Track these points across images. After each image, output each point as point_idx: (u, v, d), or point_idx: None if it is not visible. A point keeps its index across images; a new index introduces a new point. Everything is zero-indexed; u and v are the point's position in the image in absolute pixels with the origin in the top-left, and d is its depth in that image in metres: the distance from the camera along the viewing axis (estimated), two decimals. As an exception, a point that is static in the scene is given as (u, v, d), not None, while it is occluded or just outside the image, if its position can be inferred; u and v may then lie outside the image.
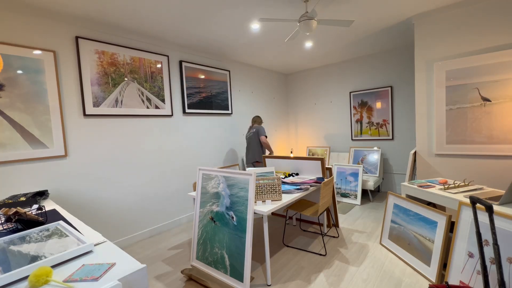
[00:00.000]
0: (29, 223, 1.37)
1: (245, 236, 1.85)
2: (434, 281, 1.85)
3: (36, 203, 1.87)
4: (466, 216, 1.72)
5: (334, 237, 2.76)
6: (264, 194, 2.14)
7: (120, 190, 2.81)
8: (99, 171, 2.64)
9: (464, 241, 1.70)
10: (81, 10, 2.33)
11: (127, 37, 2.87)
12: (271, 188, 2.15)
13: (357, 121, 4.67)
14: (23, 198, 1.92)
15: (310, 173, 2.85)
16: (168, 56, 3.25)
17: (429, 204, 2.47)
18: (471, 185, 2.17)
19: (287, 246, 2.62)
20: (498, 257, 1.21)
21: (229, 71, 4.15)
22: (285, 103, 5.65)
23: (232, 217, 1.96)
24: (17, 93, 2.13)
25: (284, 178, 2.78)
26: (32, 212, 1.52)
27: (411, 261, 2.11)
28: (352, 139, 4.74)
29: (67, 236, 1.19)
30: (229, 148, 4.17)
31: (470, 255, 1.64)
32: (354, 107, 4.67)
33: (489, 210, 1.21)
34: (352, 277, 2.03)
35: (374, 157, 4.24)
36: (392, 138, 4.27)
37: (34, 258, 0.98)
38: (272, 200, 2.12)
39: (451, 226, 1.90)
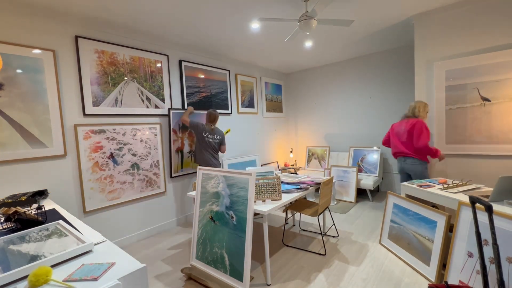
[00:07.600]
0: (28, 222, 1.37)
1: (245, 235, 1.85)
2: (433, 280, 1.85)
3: (35, 203, 1.87)
4: (465, 215, 1.73)
5: (333, 236, 2.76)
6: (264, 193, 2.14)
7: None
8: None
9: (463, 240, 1.70)
10: (80, 10, 2.33)
11: (126, 37, 2.86)
12: (270, 187, 2.15)
13: (357, 121, 4.66)
14: (22, 198, 1.92)
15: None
16: (167, 55, 3.24)
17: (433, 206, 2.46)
18: (469, 184, 2.18)
19: (287, 245, 2.62)
20: (498, 257, 1.21)
21: (229, 70, 4.14)
22: (285, 102, 5.64)
23: (232, 217, 1.96)
24: (16, 92, 2.12)
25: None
26: (31, 212, 1.52)
27: (410, 261, 2.11)
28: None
29: (66, 235, 1.19)
30: (228, 148, 4.16)
31: (470, 255, 1.65)
32: (354, 107, 4.67)
33: (489, 210, 1.21)
34: (351, 277, 2.03)
35: (373, 156, 4.24)
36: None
37: (34, 258, 0.98)
38: (272, 200, 2.13)
39: (450, 226, 1.90)
